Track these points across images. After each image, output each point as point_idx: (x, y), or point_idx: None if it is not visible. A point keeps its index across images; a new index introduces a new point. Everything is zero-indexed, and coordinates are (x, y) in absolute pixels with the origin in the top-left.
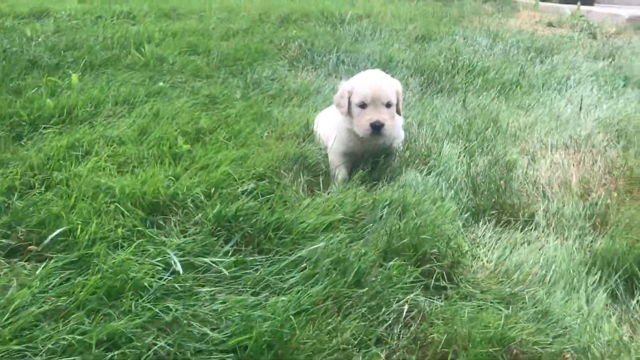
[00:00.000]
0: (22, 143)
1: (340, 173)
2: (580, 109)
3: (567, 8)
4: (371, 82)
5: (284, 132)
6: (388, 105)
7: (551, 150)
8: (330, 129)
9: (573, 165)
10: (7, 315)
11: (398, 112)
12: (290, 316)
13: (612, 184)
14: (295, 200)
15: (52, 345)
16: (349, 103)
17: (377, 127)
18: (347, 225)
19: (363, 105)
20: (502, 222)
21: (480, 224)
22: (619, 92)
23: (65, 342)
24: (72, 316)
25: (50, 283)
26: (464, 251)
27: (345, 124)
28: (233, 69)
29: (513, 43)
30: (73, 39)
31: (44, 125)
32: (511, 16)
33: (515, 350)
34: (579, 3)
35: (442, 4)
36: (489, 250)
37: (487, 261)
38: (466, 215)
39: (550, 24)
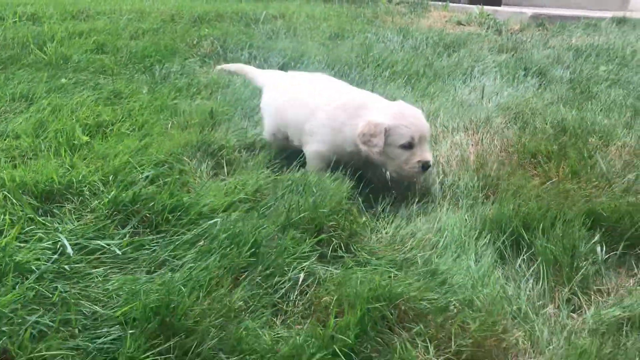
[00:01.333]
0: None
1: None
2: (483, 96)
3: (476, 8)
4: (415, 119)
5: (188, 122)
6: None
7: (452, 133)
8: (312, 124)
9: (472, 145)
10: None
11: None
12: (180, 286)
13: (507, 160)
14: (197, 184)
15: None
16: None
17: (426, 167)
18: (248, 205)
19: (409, 146)
20: (400, 197)
21: (380, 199)
22: (519, 81)
23: None
24: None
25: None
26: (361, 222)
27: (376, 158)
28: (141, 66)
29: (422, 39)
30: None
31: None
32: (423, 16)
33: (402, 306)
34: (482, 3)
35: (356, 6)
36: (387, 223)
37: (385, 232)
38: (367, 190)
39: (459, 23)
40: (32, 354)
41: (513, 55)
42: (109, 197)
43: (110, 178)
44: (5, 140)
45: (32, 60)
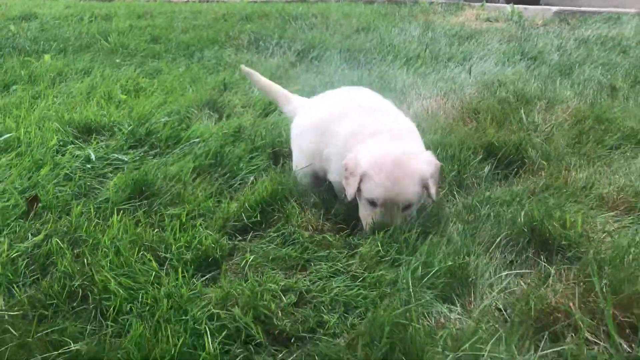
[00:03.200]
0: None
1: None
2: (470, 73)
3: (509, 6)
4: (387, 177)
5: (204, 88)
6: (407, 207)
7: (423, 99)
8: (329, 150)
9: (434, 106)
10: None
11: (432, 199)
12: (158, 174)
13: (455, 114)
14: (197, 125)
15: None
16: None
17: (381, 228)
18: (233, 137)
19: (373, 203)
20: None
21: None
22: (511, 63)
23: None
24: None
25: None
26: None
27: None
28: (185, 52)
29: (441, 32)
30: (54, 34)
31: (14, 87)
32: (455, 14)
33: None
34: (512, 2)
35: (396, 6)
36: None
37: None
38: None
39: (487, 19)
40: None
41: (518, 44)
42: (128, 129)
43: (134, 121)
44: (65, 96)
45: (97, 47)
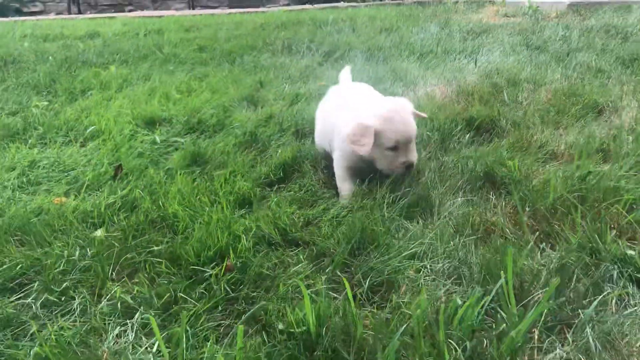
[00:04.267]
0: (78, 100)
1: (345, 187)
2: (476, 64)
3: (527, 1)
4: (401, 123)
5: (244, 86)
6: (414, 140)
7: (428, 85)
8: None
9: (436, 91)
10: None
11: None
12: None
13: (451, 97)
14: (236, 115)
15: None
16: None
17: (410, 167)
18: (265, 122)
19: (394, 148)
20: None
21: None
22: (517, 54)
23: None
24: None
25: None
26: None
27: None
28: (228, 58)
29: (457, 29)
30: (116, 48)
31: (89, 92)
32: (476, 12)
33: None
34: None
35: (422, 7)
36: None
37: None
38: None
39: (505, 15)
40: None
41: (526, 36)
42: (183, 119)
43: (187, 113)
44: (131, 97)
45: (153, 58)
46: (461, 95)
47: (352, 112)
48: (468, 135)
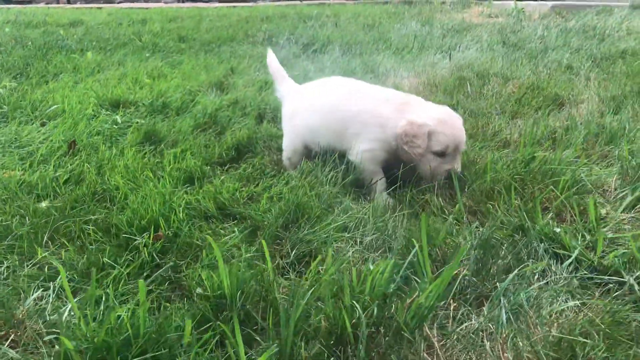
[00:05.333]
0: (48, 83)
1: (380, 183)
2: (450, 59)
3: (513, 3)
4: (451, 127)
5: (214, 73)
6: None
7: (399, 77)
8: (355, 127)
9: (407, 82)
10: None
11: None
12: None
13: (418, 87)
14: (201, 99)
15: None
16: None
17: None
18: (229, 105)
19: (441, 154)
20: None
21: None
22: (492, 50)
23: None
24: None
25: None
26: None
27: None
28: (205, 48)
29: (438, 27)
30: (96, 36)
31: (61, 75)
32: (462, 12)
33: None
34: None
35: (408, 5)
36: None
37: None
38: None
39: (489, 15)
40: (88, 143)
41: (504, 35)
42: (148, 102)
43: (154, 97)
44: (101, 81)
45: (132, 46)
46: (427, 86)
47: (379, 106)
48: None
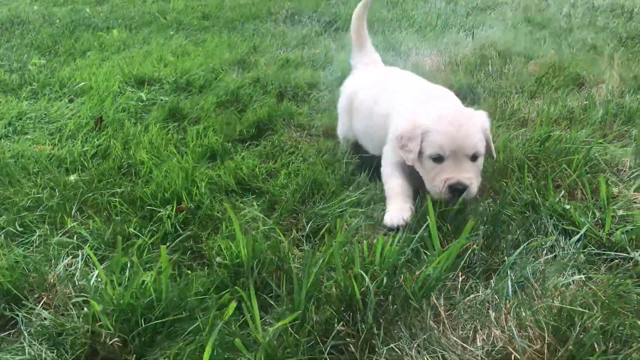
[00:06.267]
0: (76, 60)
1: (395, 189)
2: (473, 37)
3: None
4: (452, 125)
5: (238, 51)
6: (475, 157)
7: (422, 56)
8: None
9: (428, 60)
10: None
11: (492, 156)
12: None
13: (440, 65)
14: (225, 76)
15: None
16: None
17: (459, 192)
18: (251, 83)
19: (439, 159)
20: None
21: None
22: (515, 29)
23: None
24: None
25: None
26: None
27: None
28: (229, 26)
29: (463, 4)
30: (122, 14)
31: (88, 53)
32: None
33: None
34: None
35: None
36: None
37: None
38: None
39: None
40: (114, 119)
41: (529, 13)
42: (172, 79)
43: (178, 75)
44: (126, 59)
45: (157, 24)
46: (449, 65)
47: (404, 104)
48: None
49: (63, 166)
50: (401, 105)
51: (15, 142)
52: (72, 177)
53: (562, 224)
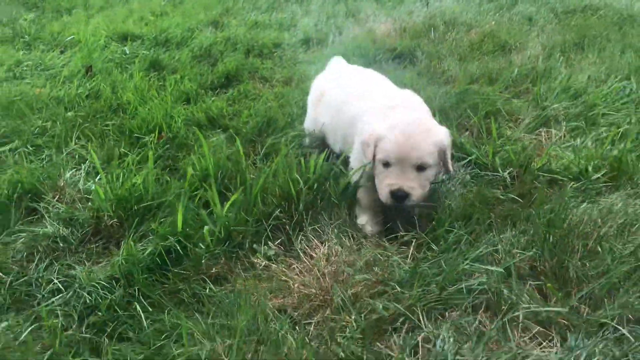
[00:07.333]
0: (63, 17)
1: (365, 199)
2: (427, 7)
3: None
4: (401, 134)
5: (211, 12)
6: (421, 168)
7: (376, 22)
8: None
9: (383, 27)
10: None
11: (447, 170)
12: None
13: (388, 30)
14: (202, 35)
15: None
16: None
17: (399, 197)
18: (222, 42)
19: (387, 165)
20: None
21: None
22: (467, 1)
23: None
24: None
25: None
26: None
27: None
28: None
29: None
30: None
31: (73, 11)
32: None
33: None
34: None
35: None
36: None
37: None
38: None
39: None
40: (102, 68)
41: None
42: (152, 37)
43: (157, 33)
44: (110, 17)
45: None
46: (398, 31)
47: (368, 112)
48: (389, 61)
49: (62, 105)
50: (366, 111)
51: (16, 85)
52: (70, 113)
53: (458, 154)
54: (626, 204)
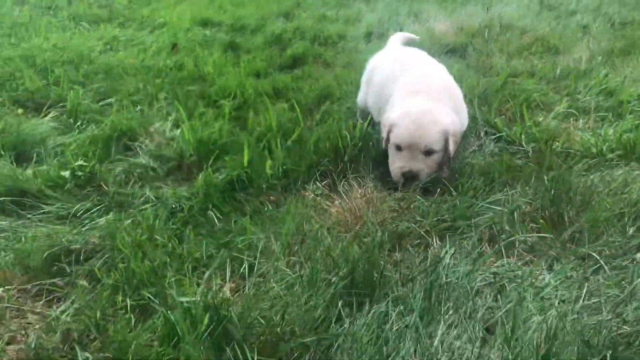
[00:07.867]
0: (151, 4)
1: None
2: (487, 11)
3: None
4: (412, 122)
5: (284, 4)
6: (429, 152)
7: (435, 21)
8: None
9: (441, 26)
10: None
11: (449, 158)
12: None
13: (443, 28)
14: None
15: None
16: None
17: (408, 178)
18: (292, 32)
19: (399, 148)
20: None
21: None
22: (528, 8)
23: None
24: None
25: None
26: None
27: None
28: None
29: None
30: None
31: None
32: None
33: None
34: None
35: None
36: None
37: None
38: None
39: None
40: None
41: None
42: (229, 23)
43: (234, 20)
44: (194, 4)
45: None
46: (455, 30)
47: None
48: (441, 55)
49: (151, 72)
50: (393, 95)
51: (112, 56)
52: (158, 80)
53: (491, 132)
54: (627, 175)
